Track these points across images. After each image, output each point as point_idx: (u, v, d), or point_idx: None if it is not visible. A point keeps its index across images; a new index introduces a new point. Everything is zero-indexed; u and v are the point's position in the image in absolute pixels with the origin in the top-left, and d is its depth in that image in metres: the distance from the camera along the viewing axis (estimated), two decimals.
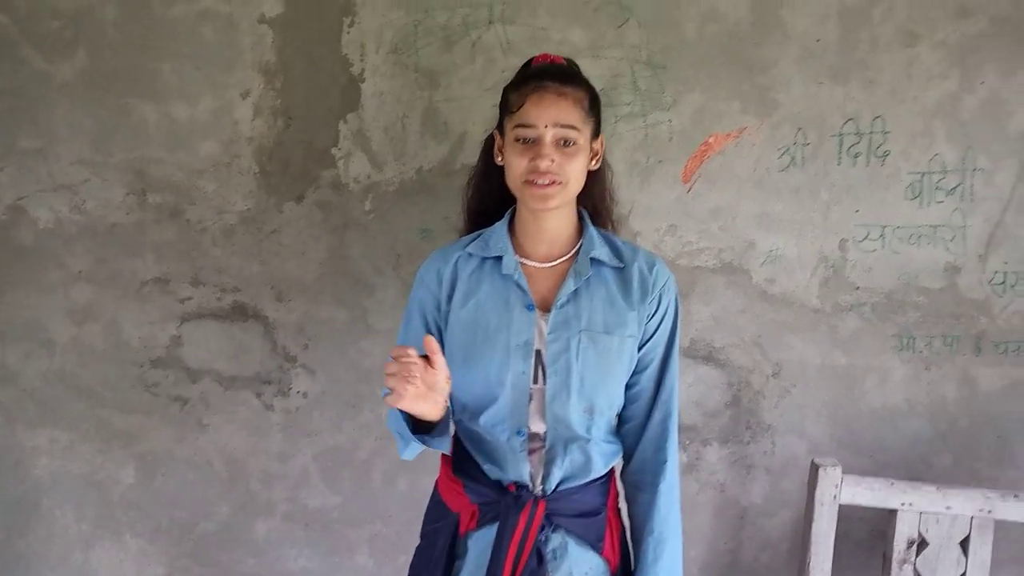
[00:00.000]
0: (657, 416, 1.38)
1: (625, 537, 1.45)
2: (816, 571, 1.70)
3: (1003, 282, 1.91)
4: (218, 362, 1.98)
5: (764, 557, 2.03)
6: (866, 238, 1.91)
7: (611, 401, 1.37)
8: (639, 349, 1.37)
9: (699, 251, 1.93)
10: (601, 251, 1.37)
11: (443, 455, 1.45)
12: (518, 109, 1.28)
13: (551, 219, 1.34)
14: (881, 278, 1.92)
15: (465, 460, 1.39)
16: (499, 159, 1.36)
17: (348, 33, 1.84)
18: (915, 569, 1.70)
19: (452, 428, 1.34)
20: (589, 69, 1.80)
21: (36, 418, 2.01)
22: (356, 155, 1.89)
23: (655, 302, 1.36)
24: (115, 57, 1.86)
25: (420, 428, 1.26)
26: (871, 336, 1.93)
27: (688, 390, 1.97)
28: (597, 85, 1.82)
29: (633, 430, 1.41)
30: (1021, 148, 1.85)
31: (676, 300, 1.40)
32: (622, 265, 1.37)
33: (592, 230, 1.39)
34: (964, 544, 1.70)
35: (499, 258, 1.36)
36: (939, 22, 1.81)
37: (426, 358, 1.17)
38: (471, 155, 1.86)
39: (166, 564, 2.07)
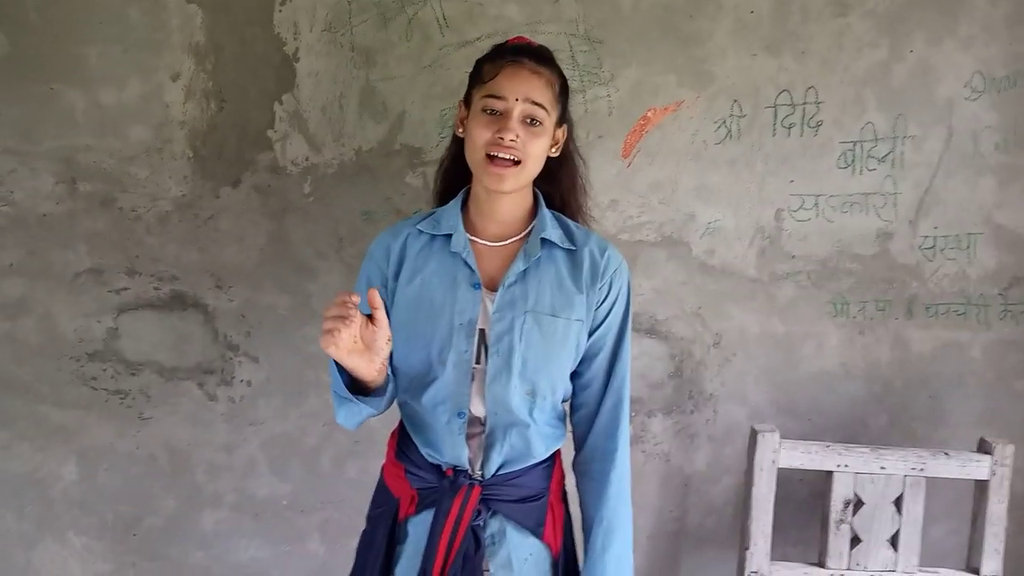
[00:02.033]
0: (608, 403, 1.38)
1: (569, 522, 1.46)
2: (757, 534, 1.74)
3: (933, 246, 1.97)
4: (158, 353, 1.94)
5: (709, 523, 2.08)
6: (800, 207, 1.95)
7: (553, 384, 1.35)
8: (589, 335, 1.36)
9: (640, 225, 1.95)
10: (553, 232, 1.35)
11: (389, 440, 1.45)
12: (491, 79, 1.27)
13: (505, 200, 1.34)
14: (816, 246, 1.96)
15: (407, 445, 1.39)
16: (460, 131, 1.35)
17: (280, 11, 1.80)
18: (852, 528, 1.76)
19: (391, 393, 1.32)
20: None
21: None
22: (293, 137, 1.86)
23: (606, 287, 1.36)
24: (38, 41, 1.79)
25: (358, 391, 1.25)
26: (807, 303, 1.98)
27: (633, 363, 1.96)
28: None
29: (585, 418, 1.40)
30: (949, 114, 1.91)
31: (628, 286, 1.40)
32: (574, 248, 1.36)
33: (545, 211, 1.38)
34: (898, 502, 1.77)
35: (449, 236, 1.35)
36: None
37: (370, 317, 1.16)
38: (410, 135, 1.86)
39: (112, 560, 2.03)
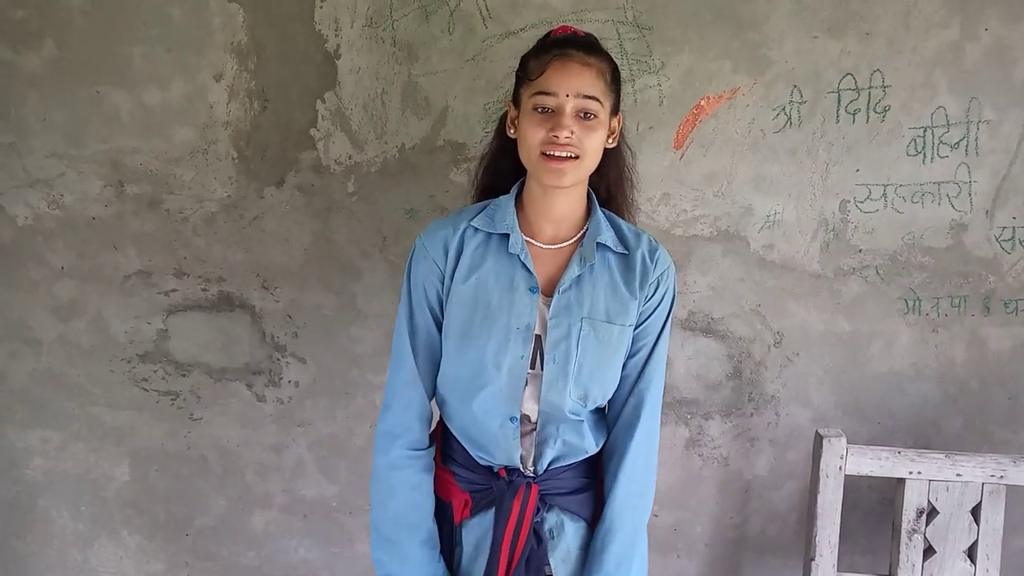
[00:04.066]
0: (631, 403, 1.34)
1: None
2: (823, 544, 1.65)
3: (1011, 238, 1.84)
4: (207, 354, 1.94)
5: (772, 530, 1.98)
6: (867, 198, 1.84)
7: (605, 390, 1.33)
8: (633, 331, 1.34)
9: (694, 219, 1.87)
10: (607, 236, 1.31)
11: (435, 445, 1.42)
12: (538, 76, 1.22)
13: (561, 197, 1.29)
14: (884, 239, 1.85)
15: (453, 449, 1.36)
16: (511, 131, 1.30)
17: (321, 7, 1.77)
18: (925, 538, 1.66)
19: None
20: None
21: (27, 419, 1.98)
22: (336, 135, 1.83)
23: (653, 287, 1.33)
24: (83, 45, 1.80)
25: None
26: (875, 300, 1.87)
27: (687, 363, 1.91)
28: None
29: (611, 416, 1.38)
30: None
31: (674, 289, 1.36)
32: (626, 252, 1.33)
33: (599, 213, 1.34)
34: (975, 512, 1.65)
35: (505, 235, 1.30)
36: None
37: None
38: (453, 131, 1.81)
39: (165, 560, 2.04)
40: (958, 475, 1.63)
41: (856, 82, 1.80)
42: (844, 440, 1.64)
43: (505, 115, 1.36)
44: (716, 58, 1.79)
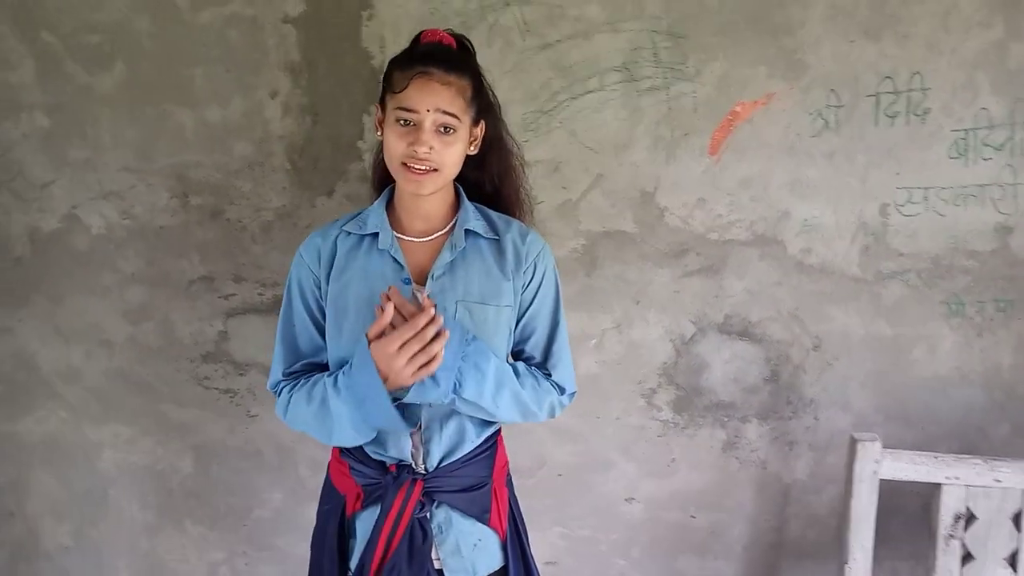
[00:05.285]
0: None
1: (514, 506, 1.48)
2: (856, 548, 1.64)
3: None
4: (262, 355, 2.05)
5: (811, 534, 1.98)
6: (908, 201, 1.83)
7: None
8: (518, 321, 1.40)
9: (730, 224, 1.88)
10: (476, 224, 1.39)
11: None
12: (401, 91, 1.28)
13: (426, 198, 1.36)
14: (926, 243, 1.84)
15: None
16: (378, 133, 1.37)
17: (367, 26, 1.87)
18: (963, 544, 1.63)
19: None
20: (608, 43, 1.82)
21: (100, 414, 2.13)
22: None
23: (530, 271, 1.39)
24: (151, 67, 1.94)
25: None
26: (917, 304, 1.85)
27: (724, 366, 1.93)
28: (616, 59, 1.83)
29: None
30: None
31: (553, 270, 1.42)
32: (497, 237, 1.39)
33: (468, 204, 1.41)
34: (1017, 518, 1.62)
35: (376, 235, 1.38)
36: None
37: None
38: None
39: (225, 549, 2.16)
40: (997, 481, 1.60)
41: (895, 84, 1.79)
42: (879, 444, 1.63)
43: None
44: (751, 64, 1.81)
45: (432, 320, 1.23)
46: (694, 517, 2.02)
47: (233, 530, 2.15)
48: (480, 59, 1.83)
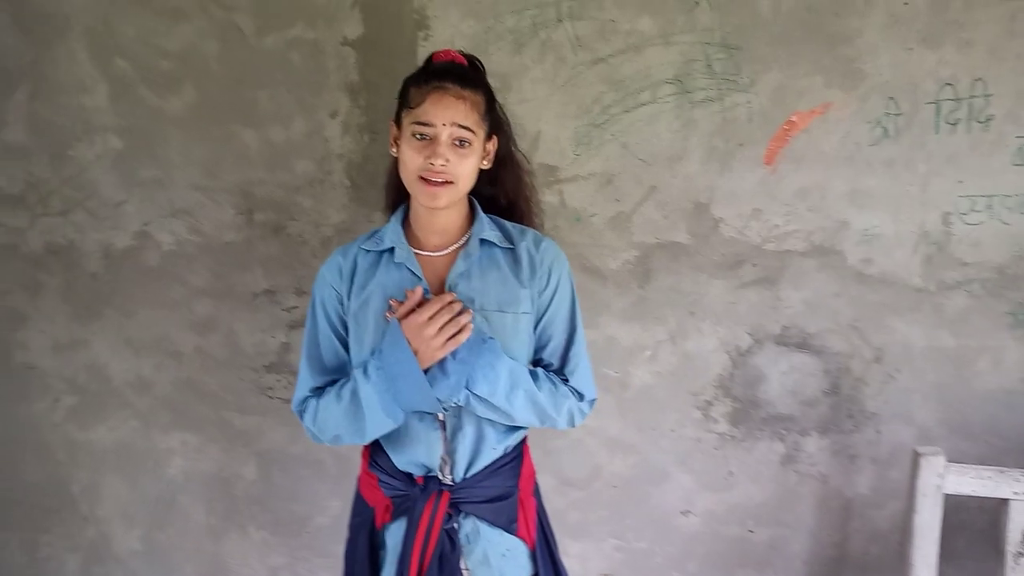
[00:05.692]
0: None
1: (542, 516, 1.49)
2: (920, 565, 1.61)
3: None
4: None
5: (874, 550, 1.94)
6: (971, 210, 1.79)
7: None
8: (536, 326, 1.41)
9: (787, 234, 1.87)
10: (491, 234, 1.41)
11: (363, 451, 1.49)
12: (417, 106, 1.32)
13: (442, 212, 1.38)
14: (991, 252, 1.79)
15: (379, 455, 1.44)
16: (393, 149, 1.40)
17: (423, 46, 1.91)
18: None
19: None
20: (660, 56, 1.83)
21: (169, 423, 2.21)
22: None
23: (544, 277, 1.40)
24: (218, 89, 2.02)
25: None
26: (982, 314, 1.81)
27: (782, 378, 1.91)
28: (669, 72, 1.85)
29: None
30: None
31: (569, 276, 1.43)
32: (512, 246, 1.41)
33: (482, 216, 1.43)
34: None
35: (392, 250, 1.40)
36: None
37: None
38: (545, 154, 1.91)
39: (286, 555, 2.22)
40: None
41: (956, 91, 1.76)
42: (943, 458, 1.60)
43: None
44: (807, 74, 1.80)
45: (455, 301, 1.30)
46: (752, 531, 2.00)
47: (294, 536, 2.21)
48: (532, 76, 1.88)
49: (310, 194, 2.04)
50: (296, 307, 2.10)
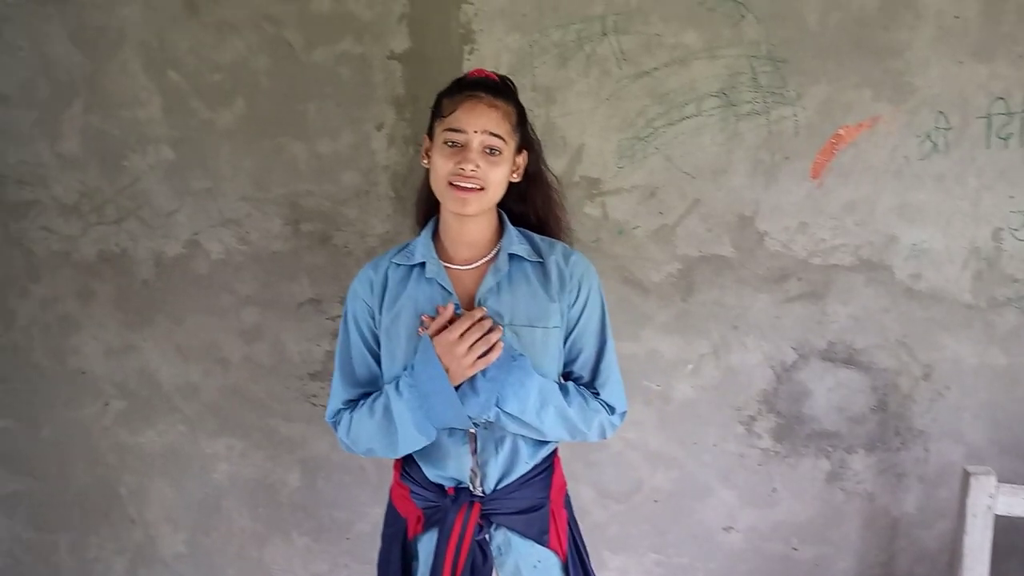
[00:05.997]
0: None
1: (574, 527, 1.48)
2: None
3: None
4: None
5: (920, 570, 1.90)
6: (1023, 226, 1.76)
7: None
8: (566, 340, 1.41)
9: (834, 249, 1.85)
10: (519, 248, 1.41)
11: (395, 462, 1.50)
12: (450, 114, 1.33)
13: (472, 223, 1.39)
14: None
15: (411, 466, 1.45)
16: (425, 161, 1.40)
17: (468, 60, 1.94)
18: None
19: None
20: (705, 70, 1.83)
21: (215, 428, 2.25)
22: None
23: (574, 291, 1.40)
24: (268, 102, 2.06)
25: None
26: None
27: (828, 394, 1.89)
28: (714, 85, 1.85)
29: None
30: None
31: (599, 290, 1.43)
32: (541, 260, 1.41)
33: (511, 229, 1.43)
34: None
35: (423, 264, 1.41)
36: None
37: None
38: (589, 166, 1.91)
39: (329, 561, 2.25)
40: None
41: (1008, 106, 1.73)
42: (994, 478, 1.57)
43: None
44: (855, 87, 1.79)
45: (486, 318, 1.31)
46: (796, 549, 1.97)
47: (336, 543, 2.23)
48: (576, 89, 1.89)
49: (356, 205, 2.07)
50: (341, 316, 2.12)
